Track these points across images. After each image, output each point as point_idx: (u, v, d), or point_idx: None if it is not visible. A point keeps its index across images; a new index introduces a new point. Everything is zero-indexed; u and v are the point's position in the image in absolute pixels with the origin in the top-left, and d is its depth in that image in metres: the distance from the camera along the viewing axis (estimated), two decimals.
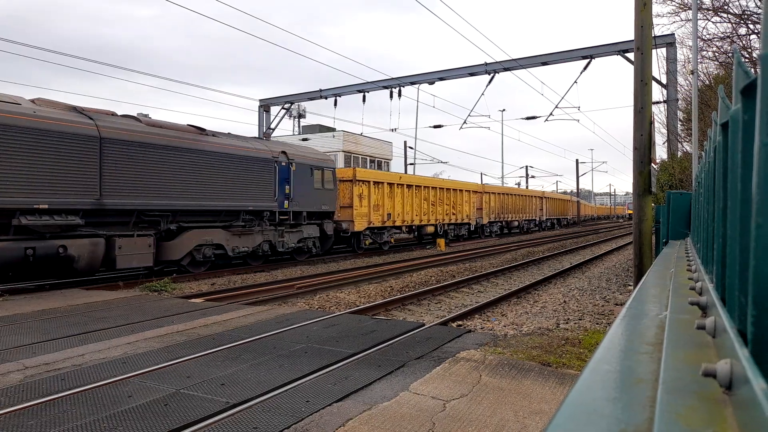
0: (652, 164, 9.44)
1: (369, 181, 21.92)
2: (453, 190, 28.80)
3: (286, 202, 17.42)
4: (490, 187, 34.28)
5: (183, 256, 14.30)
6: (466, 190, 30.20)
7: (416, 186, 25.31)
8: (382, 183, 22.80)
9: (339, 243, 21.72)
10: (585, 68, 25.21)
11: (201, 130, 15.16)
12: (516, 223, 38.46)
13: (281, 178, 17.21)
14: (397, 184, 23.85)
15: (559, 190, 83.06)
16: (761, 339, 0.85)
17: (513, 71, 27.14)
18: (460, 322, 8.93)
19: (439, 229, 26.85)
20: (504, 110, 53.22)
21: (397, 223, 23.64)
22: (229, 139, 15.86)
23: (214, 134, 15.52)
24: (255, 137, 19.14)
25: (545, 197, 47.03)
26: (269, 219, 16.90)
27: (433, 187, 26.65)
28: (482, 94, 28.04)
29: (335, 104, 31.90)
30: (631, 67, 9.76)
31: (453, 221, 28.74)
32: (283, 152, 17.53)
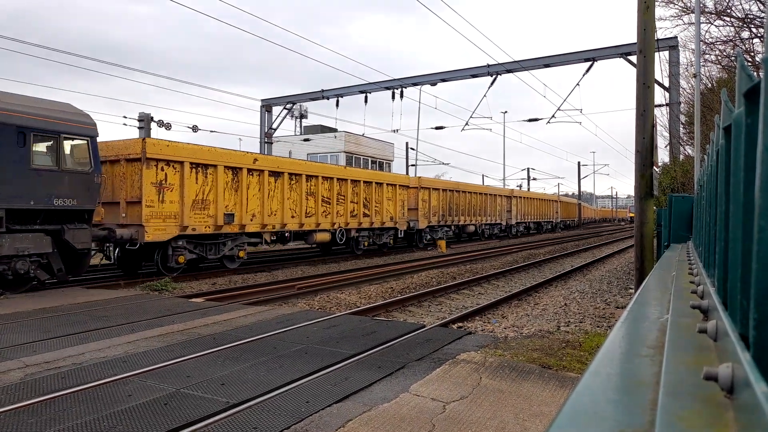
0: (654, 167, 9.43)
1: (183, 163, 13.75)
2: (365, 182, 21.11)
3: None
4: (428, 182, 26.83)
5: None
6: (388, 184, 22.67)
7: (291, 174, 17.38)
8: (215, 167, 14.70)
9: (147, 259, 14.08)
10: (587, 71, 25.22)
11: None
12: (473, 228, 31.35)
13: None
14: (250, 170, 15.80)
15: (561, 193, 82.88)
16: (763, 343, 0.85)
17: (515, 73, 27.14)
18: (460, 324, 8.93)
19: (338, 236, 19.48)
20: (506, 112, 53.19)
21: (251, 228, 15.72)
22: None
23: None
24: None
25: (515, 196, 39.31)
26: None
27: (324, 177, 18.74)
28: (484, 95, 28.05)
29: (337, 105, 31.93)
30: (634, 70, 9.76)
31: (368, 225, 21.18)
32: None
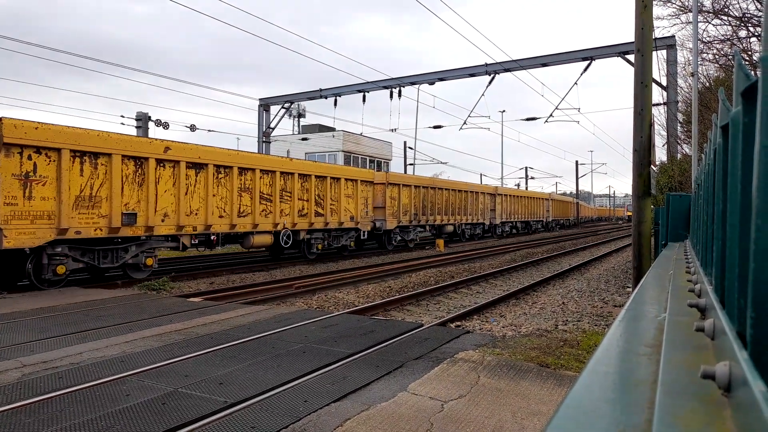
0: (652, 166, 9.45)
1: (61, 150, 11.27)
2: (318, 177, 18.52)
3: None
4: (397, 177, 24.17)
5: None
6: (348, 179, 20.13)
7: (218, 167, 14.82)
8: (109, 156, 12.17)
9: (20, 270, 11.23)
10: (585, 70, 25.24)
11: None
12: (451, 228, 29.12)
13: None
14: (160, 161, 13.19)
15: (558, 192, 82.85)
16: (760, 341, 0.85)
17: (513, 72, 27.16)
18: (458, 323, 8.94)
19: (283, 238, 16.98)
20: (504, 111, 53.24)
21: (162, 230, 13.25)
22: None
23: None
24: None
25: (499, 194, 36.10)
26: None
27: (264, 171, 16.23)
28: (482, 94, 28.06)
29: (335, 104, 31.92)
30: (632, 69, 9.77)
31: (321, 225, 18.69)
32: None
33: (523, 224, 41.80)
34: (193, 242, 14.38)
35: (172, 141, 13.55)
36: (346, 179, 20.03)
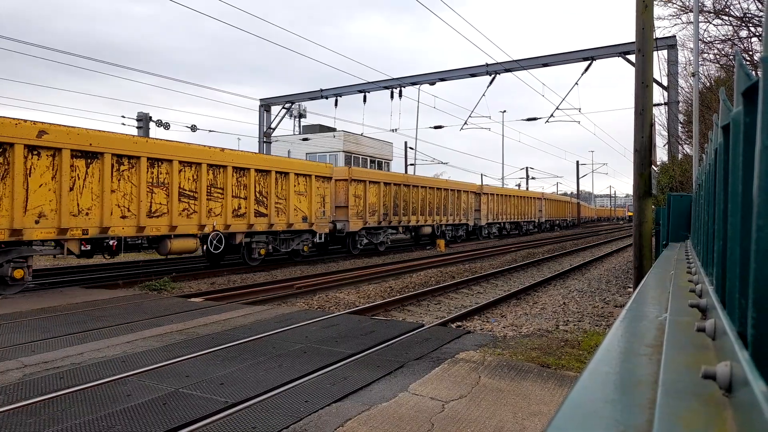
0: (653, 166, 9.44)
1: None
2: (260, 171, 15.91)
3: None
4: (362, 173, 21.70)
5: None
6: (298, 174, 17.46)
7: (119, 157, 12.29)
8: None
9: None
10: (586, 70, 25.22)
11: None
12: (429, 230, 26.43)
13: None
14: (33, 149, 10.69)
15: (559, 192, 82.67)
16: (761, 341, 0.85)
17: (514, 72, 27.15)
18: (459, 323, 8.93)
19: (213, 242, 14.42)
20: (505, 111, 53.22)
21: (38, 234, 10.79)
22: None
23: None
24: None
25: (485, 193, 33.14)
26: None
27: (184, 163, 13.69)
28: (483, 95, 28.05)
29: (336, 104, 31.91)
30: (632, 69, 9.77)
31: (265, 227, 16.06)
32: None
33: (513, 225, 39.37)
34: (84, 248, 11.76)
35: (53, 124, 10.93)
36: (296, 174, 17.37)
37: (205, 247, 14.70)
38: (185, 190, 13.78)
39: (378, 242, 22.46)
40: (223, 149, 14.95)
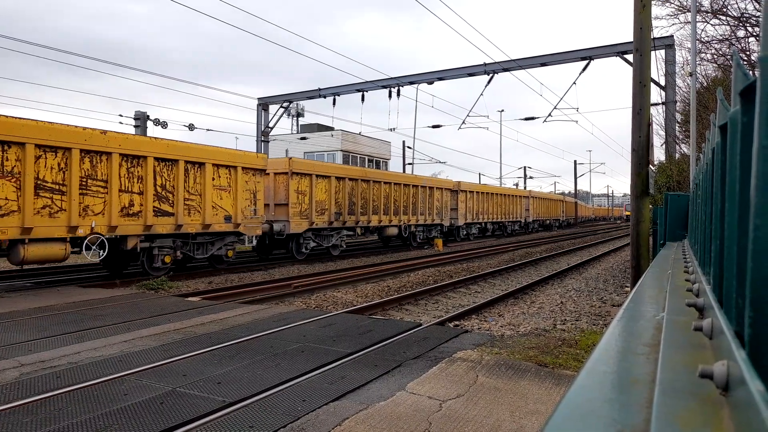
0: (650, 166, 9.46)
1: None
2: (162, 161, 13.26)
3: None
4: (306, 166, 18.92)
5: None
6: (217, 165, 14.70)
7: None
8: None
9: None
10: (584, 69, 25.24)
11: None
12: (395, 230, 23.67)
13: None
14: None
15: (557, 191, 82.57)
16: (758, 340, 0.85)
17: (512, 72, 27.15)
18: (457, 323, 8.94)
19: (93, 246, 11.87)
20: (503, 111, 53.24)
21: None
22: None
23: None
24: None
25: (462, 190, 30.17)
26: None
27: (44, 147, 11.00)
28: (481, 94, 28.05)
29: (334, 103, 31.89)
30: (630, 69, 9.78)
31: (170, 229, 13.44)
32: None
33: (496, 226, 36.71)
34: None
35: None
36: (215, 165, 14.47)
37: (104, 253, 12.04)
38: (46, 183, 11.01)
39: (330, 245, 19.77)
40: (105, 132, 12.04)
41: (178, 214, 13.60)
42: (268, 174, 17.51)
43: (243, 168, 15.38)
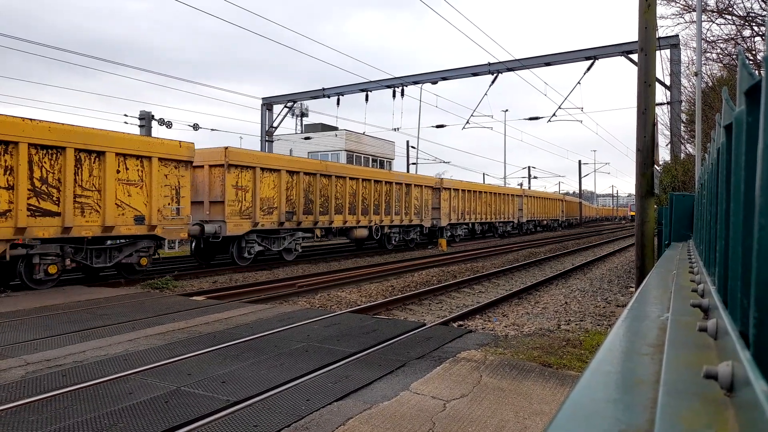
0: (655, 166, 9.43)
1: None
2: (42, 148, 10.85)
3: None
4: (247, 157, 16.17)
5: None
6: (122, 155, 12.35)
7: None
8: None
9: None
10: (588, 69, 25.18)
11: None
12: (365, 232, 21.36)
13: None
14: None
15: (561, 191, 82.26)
16: (763, 341, 0.85)
17: (516, 71, 27.11)
18: (461, 322, 8.93)
19: None
20: (507, 110, 53.16)
21: None
22: None
23: None
24: None
25: (445, 188, 27.81)
26: None
27: None
28: (485, 94, 28.01)
29: (338, 103, 31.92)
30: (635, 69, 9.75)
31: (55, 232, 11.09)
32: None
33: (486, 227, 34.22)
34: None
35: None
36: (119, 154, 12.10)
37: None
38: None
39: (282, 249, 17.30)
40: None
41: (66, 214, 11.18)
42: (202, 167, 15.18)
43: (161, 159, 12.95)
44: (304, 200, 17.99)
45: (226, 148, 15.34)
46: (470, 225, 31.40)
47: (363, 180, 21.13)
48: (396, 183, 23.43)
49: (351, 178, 20.37)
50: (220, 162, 15.22)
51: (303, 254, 19.66)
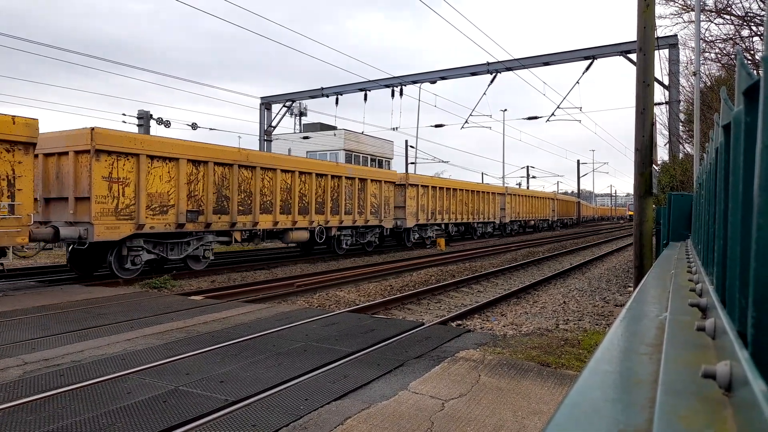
0: (654, 166, 9.44)
1: None
2: None
3: None
4: (124, 140, 12.41)
5: None
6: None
7: None
8: None
9: None
10: (587, 69, 25.19)
11: None
12: (305, 234, 17.91)
13: None
14: None
15: (560, 191, 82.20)
16: (761, 341, 0.85)
17: (515, 71, 27.12)
18: (459, 322, 8.94)
19: None
20: (506, 110, 53.22)
21: None
22: None
23: None
24: None
25: (412, 184, 24.31)
26: None
27: None
28: (484, 93, 28.03)
29: (337, 103, 31.92)
30: (634, 68, 9.76)
31: None
32: None
33: (462, 227, 30.65)
34: None
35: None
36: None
37: None
38: None
39: (185, 256, 14.13)
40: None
41: None
42: (67, 153, 12.06)
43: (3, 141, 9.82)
44: (215, 197, 14.58)
45: (93, 128, 11.84)
46: (443, 226, 27.96)
47: (301, 173, 17.56)
48: (346, 177, 19.78)
49: (283, 171, 16.83)
50: (86, 147, 11.82)
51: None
